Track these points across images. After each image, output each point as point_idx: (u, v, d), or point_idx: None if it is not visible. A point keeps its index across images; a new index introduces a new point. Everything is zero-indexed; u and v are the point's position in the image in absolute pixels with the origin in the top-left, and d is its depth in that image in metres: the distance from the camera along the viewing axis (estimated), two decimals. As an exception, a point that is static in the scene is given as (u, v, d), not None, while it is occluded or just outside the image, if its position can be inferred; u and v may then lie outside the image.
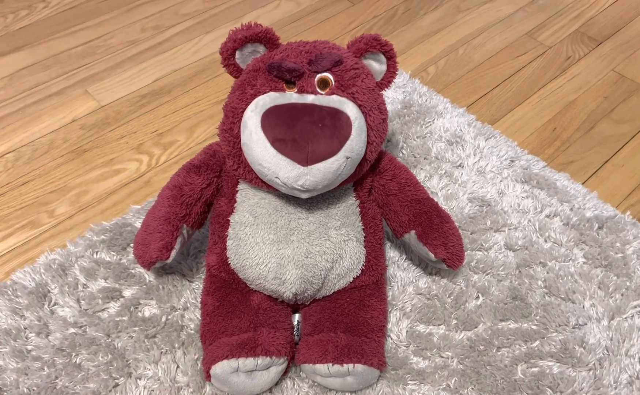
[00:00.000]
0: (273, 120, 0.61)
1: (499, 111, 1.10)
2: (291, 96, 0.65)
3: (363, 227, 0.72)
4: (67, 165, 0.99)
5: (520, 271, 0.83)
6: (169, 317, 0.77)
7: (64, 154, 1.00)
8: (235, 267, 0.71)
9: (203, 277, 0.80)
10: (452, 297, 0.80)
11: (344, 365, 0.65)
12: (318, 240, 0.69)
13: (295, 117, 0.61)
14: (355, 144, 0.63)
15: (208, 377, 0.67)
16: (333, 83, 0.66)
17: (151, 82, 1.15)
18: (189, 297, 0.79)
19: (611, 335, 0.76)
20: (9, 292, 0.78)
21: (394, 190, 0.74)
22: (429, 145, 1.00)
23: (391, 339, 0.76)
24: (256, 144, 0.62)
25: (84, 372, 0.71)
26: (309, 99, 0.64)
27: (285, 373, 0.70)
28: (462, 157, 0.98)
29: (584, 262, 0.84)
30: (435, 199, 0.80)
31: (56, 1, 1.35)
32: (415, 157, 0.98)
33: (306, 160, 0.60)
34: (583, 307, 0.79)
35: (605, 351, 0.74)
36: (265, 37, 0.67)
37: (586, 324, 0.77)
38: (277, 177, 0.62)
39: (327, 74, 0.66)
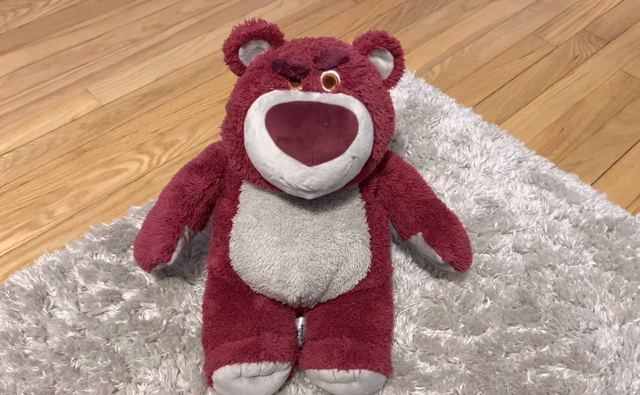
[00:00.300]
0: (277, 118, 0.60)
1: (505, 111, 1.08)
2: (296, 94, 0.63)
3: (369, 228, 0.70)
4: (67, 166, 0.97)
5: (529, 274, 0.81)
6: (170, 321, 0.75)
7: (64, 154, 0.99)
8: (238, 269, 0.69)
9: (205, 279, 0.78)
10: (459, 301, 0.78)
11: (350, 371, 0.64)
12: (323, 242, 0.67)
13: (301, 116, 0.60)
14: (362, 143, 0.62)
15: (210, 382, 0.65)
16: (339, 81, 0.64)
17: (152, 81, 1.14)
18: (190, 300, 0.77)
19: (622, 340, 0.74)
20: (7, 295, 0.77)
21: (400, 191, 0.72)
22: (435, 146, 0.98)
23: (397, 343, 0.74)
24: (260, 143, 0.60)
25: (83, 376, 0.69)
26: (315, 97, 0.63)
27: (289, 378, 0.68)
28: (468, 158, 0.96)
29: (594, 265, 0.82)
30: (442, 201, 0.79)
31: (56, -1, 1.34)
32: (420, 157, 0.96)
33: (311, 160, 0.59)
34: (593, 311, 0.77)
35: (617, 356, 0.73)
36: (270, 34, 0.66)
37: (597, 329, 0.75)
38: (281, 178, 0.60)
39: (333, 72, 0.64)
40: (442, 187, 0.92)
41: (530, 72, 1.16)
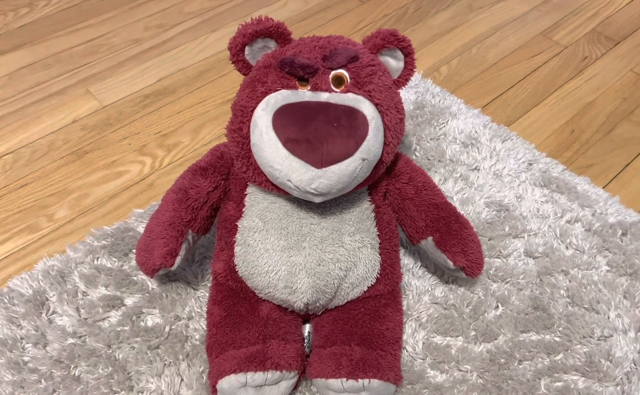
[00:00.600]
0: (285, 119, 0.58)
1: (514, 112, 1.06)
2: (304, 94, 0.61)
3: (378, 232, 0.68)
4: (67, 168, 0.95)
5: (541, 279, 0.79)
6: (173, 327, 0.73)
7: (64, 156, 0.97)
8: (243, 275, 0.67)
9: (209, 284, 0.76)
10: (470, 307, 0.76)
11: (359, 380, 0.62)
12: (331, 247, 0.65)
13: (309, 116, 0.58)
14: (372, 144, 0.60)
15: (214, 391, 0.63)
16: (348, 80, 0.62)
17: (155, 82, 1.12)
18: (193, 306, 0.75)
19: (639, 348, 0.72)
20: (5, 300, 0.75)
21: (410, 194, 0.70)
22: (443, 148, 0.96)
23: (407, 351, 0.72)
24: (267, 145, 0.58)
25: (83, 385, 0.67)
26: (324, 97, 0.61)
27: (295, 387, 0.66)
28: (477, 160, 0.94)
29: (608, 270, 0.80)
30: (452, 204, 0.76)
31: (58, -1, 1.32)
32: (429, 159, 0.94)
33: (320, 162, 0.57)
34: (608, 317, 0.75)
35: (633, 365, 0.70)
36: (277, 32, 0.64)
37: (612, 336, 0.73)
38: (289, 180, 0.58)
39: (342, 71, 0.62)
40: (451, 190, 0.90)
41: (539, 73, 1.14)
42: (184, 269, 0.78)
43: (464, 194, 0.89)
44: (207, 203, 0.69)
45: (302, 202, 0.65)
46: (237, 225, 0.67)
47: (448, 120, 1.01)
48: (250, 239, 0.66)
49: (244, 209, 0.67)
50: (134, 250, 0.79)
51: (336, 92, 0.62)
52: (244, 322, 0.66)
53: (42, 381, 0.68)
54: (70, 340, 0.71)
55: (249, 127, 0.62)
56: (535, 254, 0.82)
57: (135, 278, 0.78)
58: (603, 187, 0.92)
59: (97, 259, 0.80)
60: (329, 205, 0.66)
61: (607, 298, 0.77)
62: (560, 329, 0.74)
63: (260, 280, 0.66)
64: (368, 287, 0.68)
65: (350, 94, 0.62)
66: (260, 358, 0.62)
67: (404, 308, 0.75)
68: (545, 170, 0.93)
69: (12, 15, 1.27)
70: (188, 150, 0.98)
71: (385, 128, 0.63)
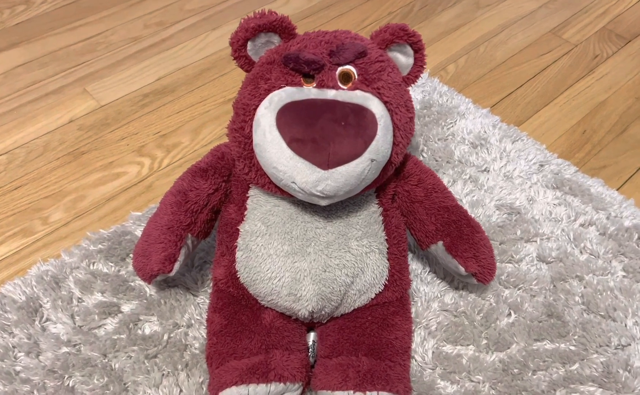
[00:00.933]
0: (290, 118, 0.55)
1: (524, 112, 1.03)
2: (310, 91, 0.58)
3: (386, 237, 0.65)
4: (63, 169, 0.92)
5: (555, 286, 0.76)
6: (172, 335, 0.70)
7: (60, 157, 0.94)
8: (245, 281, 0.64)
9: (209, 291, 0.73)
10: (481, 314, 0.73)
11: (367, 393, 0.58)
12: (337, 252, 0.62)
13: (315, 115, 0.55)
14: (381, 144, 0.57)
15: (214, 404, 0.60)
16: (356, 77, 0.59)
17: (154, 81, 1.09)
18: (193, 313, 0.72)
19: (658, 358, 0.69)
20: (-3, 307, 0.72)
21: (419, 197, 0.67)
22: (452, 148, 0.93)
23: (416, 360, 0.69)
24: (270, 145, 0.55)
25: (78, 396, 0.65)
26: (330, 94, 0.58)
27: (300, 399, 0.63)
28: (487, 161, 0.91)
29: (624, 276, 0.77)
30: (463, 207, 0.73)
31: (55, -4, 1.29)
32: (436, 160, 0.91)
33: (327, 162, 0.54)
34: (625, 325, 0.72)
35: (653, 375, 0.67)
36: (281, 26, 0.61)
37: (630, 345, 0.70)
38: (293, 182, 0.55)
39: (349, 67, 0.59)
40: (460, 192, 0.86)
41: (549, 71, 1.11)
42: (183, 275, 0.75)
43: (474, 196, 0.86)
44: (207, 206, 0.66)
45: (307, 205, 0.62)
46: (238, 229, 0.64)
47: (456, 120, 0.98)
48: (252, 243, 0.63)
49: (246, 212, 0.64)
50: (131, 255, 0.76)
51: (343, 89, 0.59)
52: (245, 331, 0.63)
53: (35, 392, 0.65)
54: (65, 349, 0.68)
55: (251, 126, 0.59)
56: (549, 259, 0.78)
57: (132, 284, 0.75)
58: (617, 189, 0.89)
59: (93, 263, 0.77)
60: (335, 208, 0.63)
61: (623, 305, 0.74)
62: (576, 337, 0.71)
63: (262, 287, 0.62)
64: (376, 294, 0.65)
65: (358, 91, 0.59)
66: (263, 369, 0.59)
67: (413, 315, 0.72)
68: (557, 171, 0.90)
69: (8, 13, 1.24)
70: (188, 151, 0.95)
71: (395, 127, 0.60)
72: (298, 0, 1.28)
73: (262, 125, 0.56)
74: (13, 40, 1.17)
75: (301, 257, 0.61)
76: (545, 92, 1.07)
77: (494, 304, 0.74)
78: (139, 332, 0.71)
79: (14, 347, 0.68)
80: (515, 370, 0.68)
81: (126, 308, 0.73)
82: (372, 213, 0.64)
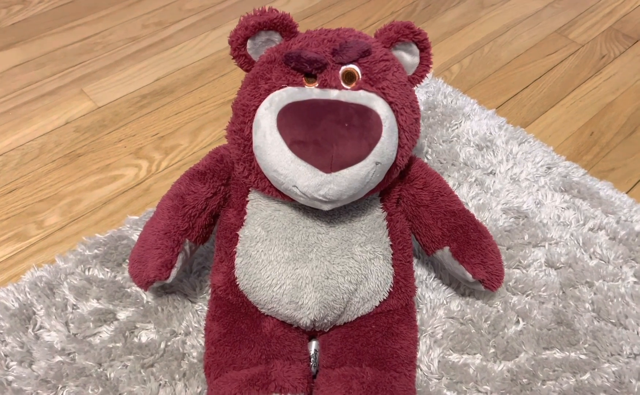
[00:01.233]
0: (291, 119, 0.53)
1: (530, 114, 1.01)
2: (312, 91, 0.56)
3: (391, 242, 0.63)
4: (59, 171, 0.90)
5: (564, 292, 0.74)
6: (169, 344, 0.68)
7: (56, 159, 0.92)
8: (244, 288, 0.61)
9: (207, 297, 0.71)
10: (488, 322, 0.70)
11: (371, 405, 0.56)
12: (340, 259, 0.60)
13: (318, 116, 0.52)
14: (386, 147, 0.55)
15: (213, 416, 0.58)
16: (360, 76, 0.57)
17: (152, 82, 1.07)
18: (191, 321, 0.70)
19: (672, 367, 0.66)
20: (-11, 314, 0.70)
21: (425, 201, 0.65)
22: (457, 150, 0.90)
23: (421, 370, 0.66)
24: (271, 147, 0.53)
25: (71, 407, 0.62)
26: (333, 94, 0.56)
27: (301, 411, 0.61)
28: (493, 164, 0.89)
29: (635, 282, 0.75)
30: (471, 211, 0.71)
31: (52, -4, 1.27)
32: (441, 163, 0.89)
33: (330, 165, 0.52)
34: (637, 333, 0.70)
35: (667, 386, 0.65)
36: (282, 24, 0.59)
37: (642, 354, 0.68)
38: (295, 186, 0.53)
39: (353, 66, 0.57)
40: (465, 196, 0.84)
41: (555, 72, 1.09)
42: (181, 281, 0.73)
43: (480, 199, 0.84)
44: (206, 210, 0.64)
45: (309, 210, 0.60)
46: (237, 235, 0.62)
47: (461, 122, 0.95)
48: (252, 249, 0.60)
49: (245, 217, 0.62)
50: (127, 260, 0.74)
51: (347, 89, 0.57)
52: (245, 340, 0.61)
53: (27, 403, 0.63)
54: (58, 358, 0.66)
55: (251, 127, 0.57)
56: (557, 265, 0.76)
57: (128, 290, 0.72)
58: (626, 192, 0.87)
59: (89, 269, 0.75)
60: (337, 213, 0.60)
61: (635, 312, 0.71)
62: (586, 345, 0.69)
63: (262, 294, 0.60)
64: (380, 301, 0.62)
65: (362, 92, 0.57)
66: (263, 380, 0.57)
67: (418, 323, 0.69)
68: (565, 174, 0.87)
69: (4, 13, 1.22)
70: (186, 153, 0.93)
71: (400, 129, 0.58)
72: (299, -1, 1.26)
73: (262, 127, 0.54)
74: (9, 41, 1.15)
75: (303, 264, 0.59)
76: (552, 93, 1.05)
77: (502, 311, 0.71)
78: (135, 340, 0.68)
79: (6, 356, 0.66)
80: (524, 380, 0.65)
81: (122, 315, 0.70)
82: (376, 218, 0.62)
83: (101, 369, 0.66)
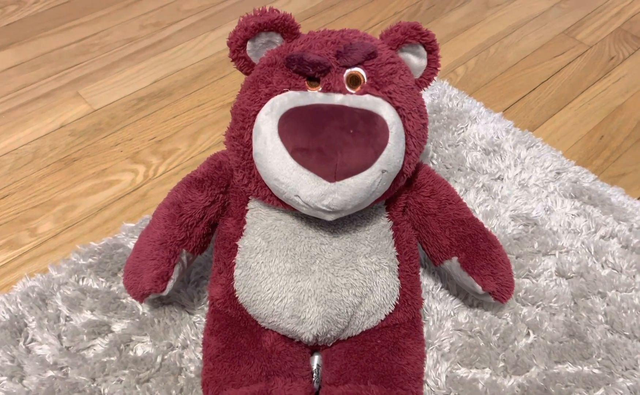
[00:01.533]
0: (293, 125, 0.50)
1: (538, 117, 0.98)
2: (315, 96, 0.53)
3: (397, 253, 0.60)
4: (54, 177, 0.87)
5: (576, 303, 0.71)
6: (166, 358, 0.65)
7: (50, 164, 0.89)
8: (244, 301, 0.59)
9: (206, 309, 0.68)
10: (498, 334, 0.68)
11: (377, 425, 0.54)
12: (344, 271, 0.57)
13: (321, 122, 0.50)
14: (393, 154, 0.52)
15: (211, 436, 0.55)
16: (365, 80, 0.55)
17: (150, 84, 1.04)
18: (189, 333, 0.67)
19: (690, 382, 0.64)
20: (-22, 327, 0.67)
21: (433, 209, 0.62)
22: (463, 155, 0.88)
23: (428, 385, 0.64)
24: (272, 155, 0.50)
25: (63, 425, 0.60)
26: (337, 99, 0.53)
27: (303, 430, 0.58)
28: (501, 169, 0.86)
29: (650, 292, 0.72)
30: (480, 220, 0.68)
31: (48, -4, 1.25)
32: (447, 168, 0.86)
33: (334, 174, 0.49)
34: (653, 346, 0.67)
35: (684, 402, 0.62)
36: (283, 25, 0.56)
37: (658, 368, 0.65)
38: (297, 195, 0.50)
39: (358, 69, 0.55)
40: (472, 202, 0.82)
41: (563, 74, 1.06)
42: (178, 291, 0.70)
43: (487, 206, 0.81)
44: (204, 219, 0.61)
45: (312, 220, 0.57)
46: (237, 245, 0.59)
47: (467, 125, 0.93)
48: (252, 260, 0.58)
49: (245, 227, 0.59)
50: (123, 270, 0.71)
51: (351, 93, 0.54)
52: (244, 356, 0.58)
53: (17, 420, 0.60)
54: (50, 373, 0.64)
55: (250, 133, 0.54)
56: (569, 274, 0.73)
57: (124, 301, 0.70)
58: (638, 199, 0.84)
59: (83, 279, 0.72)
60: (341, 222, 0.58)
61: (650, 324, 0.69)
62: (600, 359, 0.66)
63: (263, 308, 0.58)
64: (386, 315, 0.60)
65: (367, 96, 0.54)
66: (264, 399, 0.54)
67: (425, 336, 0.67)
68: (575, 180, 0.85)
69: (-1, 13, 1.20)
70: (185, 158, 0.91)
71: (407, 135, 0.55)
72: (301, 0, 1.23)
73: (262, 133, 0.52)
74: (4, 42, 1.12)
75: (305, 276, 0.56)
76: (560, 96, 1.02)
77: (512, 323, 0.69)
78: (131, 353, 0.66)
79: (-5, 370, 0.64)
80: (536, 396, 0.63)
81: (117, 327, 0.68)
82: (381, 227, 0.60)
83: (95, 384, 0.63)
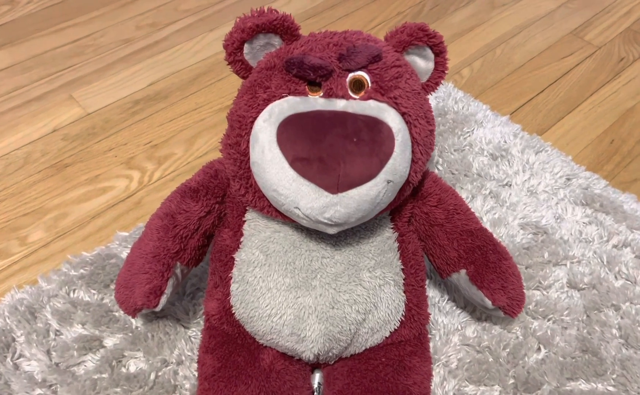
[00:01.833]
0: (293, 133, 0.47)
1: (546, 120, 0.95)
2: (316, 101, 0.50)
3: (402, 266, 0.57)
4: (45, 183, 0.84)
5: (589, 316, 0.68)
6: (159, 374, 0.62)
7: (42, 170, 0.86)
8: (241, 317, 0.56)
9: (201, 322, 0.65)
10: (507, 350, 0.65)
11: (382, 450, 0.50)
12: (347, 286, 0.54)
13: (323, 129, 0.47)
14: (399, 163, 0.49)
15: None
16: (369, 84, 0.52)
17: (145, 86, 1.01)
18: (184, 348, 0.64)
19: None
20: (-36, 342, 0.64)
21: (440, 220, 0.59)
22: (470, 160, 0.85)
23: (435, 404, 0.61)
24: (270, 164, 0.47)
25: (51, 448, 0.57)
26: (340, 105, 0.50)
27: (304, 453, 0.55)
28: (509, 175, 0.83)
29: (665, 305, 0.69)
30: (489, 230, 0.65)
31: (42, -4, 1.22)
32: (453, 174, 0.83)
33: (336, 185, 0.46)
34: (670, 362, 0.64)
35: None
36: (282, 26, 0.53)
37: (676, 385, 0.62)
38: (297, 208, 0.48)
39: (362, 73, 0.52)
40: (479, 210, 0.79)
41: (572, 76, 1.03)
42: (173, 304, 0.67)
43: (495, 213, 0.78)
44: (199, 231, 0.58)
45: (313, 232, 0.54)
46: (233, 258, 0.56)
47: (474, 129, 0.90)
48: (249, 275, 0.55)
49: (242, 239, 0.56)
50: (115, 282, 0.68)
51: (355, 98, 0.51)
52: (241, 376, 0.55)
53: (2, 442, 0.57)
54: (39, 391, 0.61)
55: (248, 141, 0.51)
56: (581, 285, 0.70)
57: (116, 314, 0.67)
58: (651, 206, 0.81)
59: (74, 291, 0.69)
60: (344, 235, 0.55)
61: (667, 339, 0.66)
62: (615, 376, 0.63)
63: (261, 325, 0.55)
64: (391, 332, 0.57)
65: (371, 102, 0.51)
66: (262, 422, 0.51)
67: (431, 351, 0.64)
68: (586, 186, 0.82)
69: (-8, 14, 1.17)
70: (181, 163, 0.88)
71: (414, 142, 0.52)
72: (301, -1, 1.21)
73: (260, 141, 0.48)
74: (-4, 43, 1.10)
75: (305, 292, 0.53)
76: (569, 98, 0.99)
77: (522, 338, 0.66)
78: (123, 370, 0.63)
79: (-19, 388, 0.61)
80: (548, 416, 0.60)
81: (109, 342, 0.65)
82: (386, 239, 0.56)
83: (85, 404, 0.60)
